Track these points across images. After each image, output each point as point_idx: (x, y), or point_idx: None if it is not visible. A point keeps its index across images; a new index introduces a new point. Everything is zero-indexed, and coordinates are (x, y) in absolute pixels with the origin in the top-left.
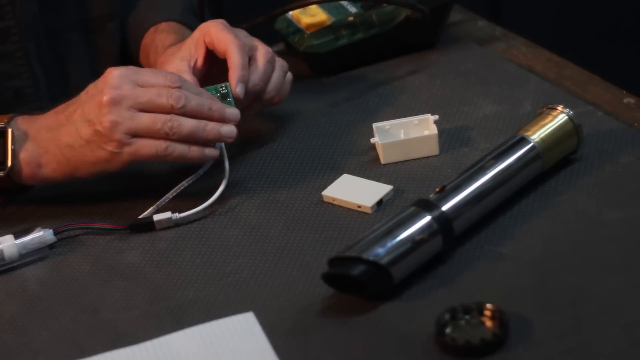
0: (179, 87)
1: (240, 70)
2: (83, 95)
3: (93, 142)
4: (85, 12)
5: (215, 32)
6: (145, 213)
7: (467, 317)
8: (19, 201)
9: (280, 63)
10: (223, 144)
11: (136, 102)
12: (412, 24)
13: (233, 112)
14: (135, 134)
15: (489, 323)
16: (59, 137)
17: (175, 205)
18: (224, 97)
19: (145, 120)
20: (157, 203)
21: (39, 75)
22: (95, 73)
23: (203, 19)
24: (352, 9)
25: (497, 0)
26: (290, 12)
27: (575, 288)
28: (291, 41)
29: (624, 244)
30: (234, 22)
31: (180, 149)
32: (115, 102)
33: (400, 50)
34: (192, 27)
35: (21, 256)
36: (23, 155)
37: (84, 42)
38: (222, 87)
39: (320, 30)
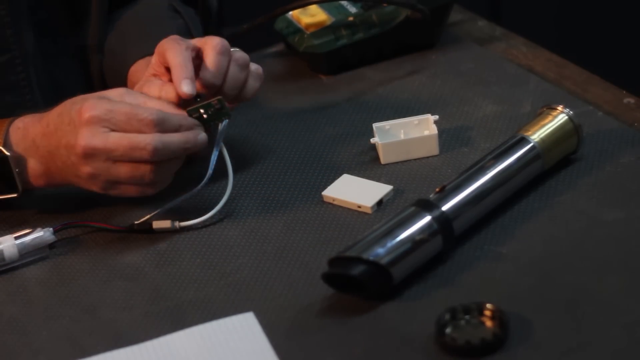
0: (156, 132)
1: (179, 69)
2: (66, 119)
3: (81, 179)
4: (79, 39)
5: (162, 46)
6: (143, 219)
7: (467, 317)
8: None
9: (237, 56)
10: (229, 162)
11: (110, 155)
12: (412, 24)
13: (203, 138)
14: (117, 182)
15: (489, 323)
16: (54, 160)
17: (175, 208)
18: (218, 111)
19: (124, 171)
20: (155, 212)
21: (39, 102)
22: None
23: (205, 21)
24: (352, 9)
25: (497, 0)
26: (290, 12)
27: (575, 288)
28: (291, 41)
29: (624, 244)
30: (234, 22)
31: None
32: (88, 155)
33: (400, 50)
34: None
35: (21, 256)
36: (31, 173)
37: (79, 67)
38: (214, 101)
39: (320, 30)
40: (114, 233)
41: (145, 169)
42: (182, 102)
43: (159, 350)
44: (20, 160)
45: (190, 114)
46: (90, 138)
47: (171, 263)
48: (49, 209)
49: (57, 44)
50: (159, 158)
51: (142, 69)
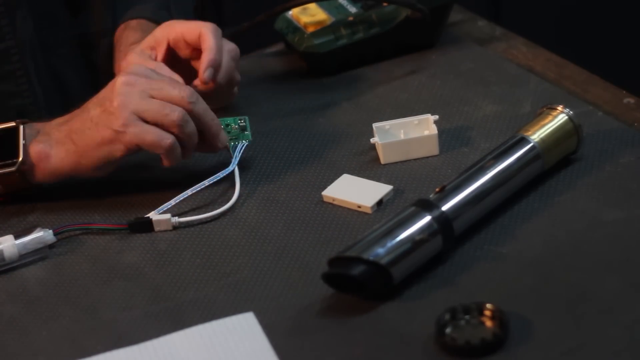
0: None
1: (213, 54)
2: (90, 109)
3: (100, 122)
4: (80, 27)
5: (183, 25)
6: (147, 216)
7: (467, 317)
8: (19, 201)
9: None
10: (238, 174)
11: (148, 87)
12: (412, 24)
13: (225, 138)
14: (143, 117)
15: (489, 323)
16: (71, 126)
17: (176, 207)
18: (242, 129)
19: (155, 104)
20: (159, 208)
21: (38, 92)
22: (94, 88)
23: (204, 18)
24: (352, 9)
25: (497, 0)
26: (290, 12)
27: (575, 288)
28: (291, 41)
29: (624, 244)
30: (234, 21)
31: (179, 152)
32: (128, 84)
33: (400, 50)
34: None
35: (21, 256)
36: (34, 149)
37: (79, 57)
38: (241, 119)
39: (320, 30)
40: (114, 233)
41: (174, 108)
42: None
43: (159, 350)
44: (30, 135)
45: None
46: (135, 74)
47: (171, 263)
48: (49, 209)
49: (57, 34)
50: (194, 106)
51: (125, 33)
